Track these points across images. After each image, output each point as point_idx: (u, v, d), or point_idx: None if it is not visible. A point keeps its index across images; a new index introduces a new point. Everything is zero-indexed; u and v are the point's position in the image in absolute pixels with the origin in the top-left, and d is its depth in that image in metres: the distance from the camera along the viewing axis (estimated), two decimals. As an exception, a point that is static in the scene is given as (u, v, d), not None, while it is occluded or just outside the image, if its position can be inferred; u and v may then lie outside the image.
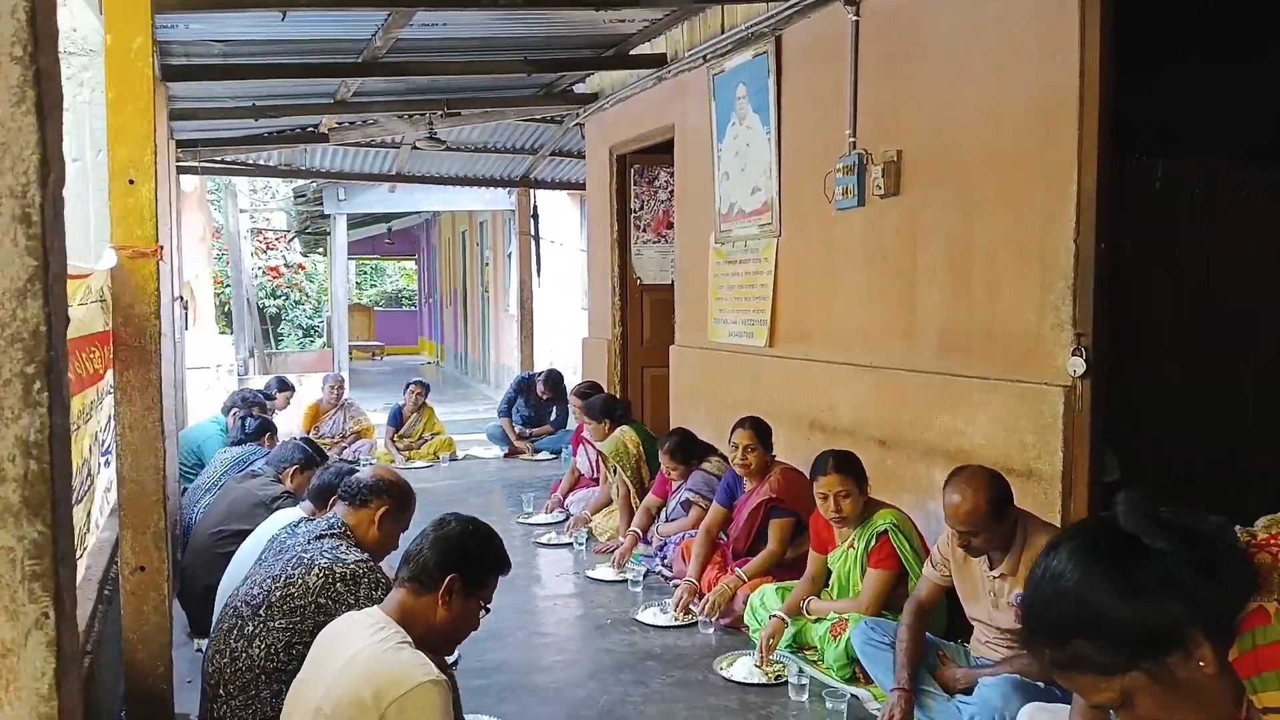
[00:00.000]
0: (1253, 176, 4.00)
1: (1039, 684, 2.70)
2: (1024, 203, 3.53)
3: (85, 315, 2.59)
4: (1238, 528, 1.27)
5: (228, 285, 15.92)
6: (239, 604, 2.66)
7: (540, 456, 8.16)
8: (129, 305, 2.76)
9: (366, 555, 2.71)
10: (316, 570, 2.59)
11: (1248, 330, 3.99)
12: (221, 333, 13.26)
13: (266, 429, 5.43)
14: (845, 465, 3.53)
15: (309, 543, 2.72)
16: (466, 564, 2.24)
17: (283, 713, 2.20)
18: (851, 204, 4.44)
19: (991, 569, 2.95)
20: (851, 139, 4.46)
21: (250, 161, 9.64)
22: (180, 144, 7.87)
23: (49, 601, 0.72)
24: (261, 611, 2.58)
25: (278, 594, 2.59)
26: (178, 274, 7.52)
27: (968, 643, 3.19)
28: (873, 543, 3.50)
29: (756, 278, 5.34)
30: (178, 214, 8.35)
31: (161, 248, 2.83)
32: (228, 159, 9.34)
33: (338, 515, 2.83)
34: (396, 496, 2.86)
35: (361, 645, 2.07)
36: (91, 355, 2.54)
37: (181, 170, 8.68)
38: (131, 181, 2.81)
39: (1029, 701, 2.59)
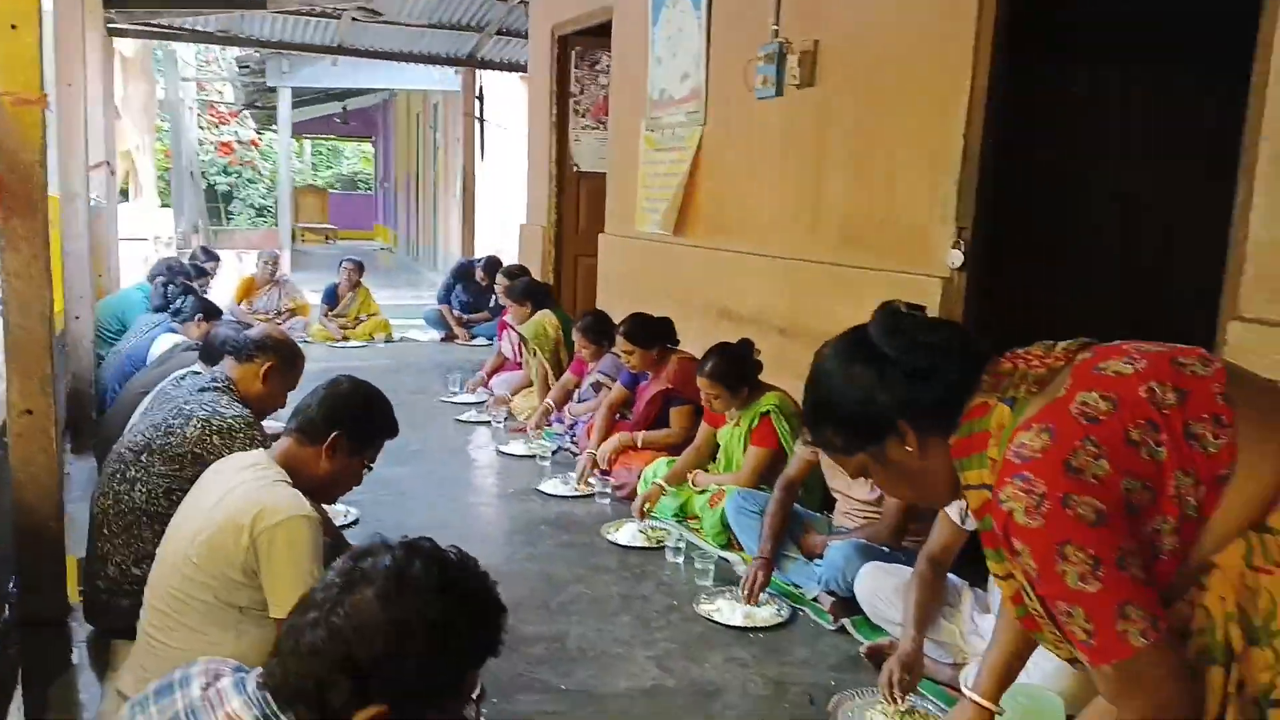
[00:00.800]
0: (1180, 80, 3.93)
1: (883, 548, 2.91)
2: (924, 98, 3.58)
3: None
4: (1017, 347, 1.41)
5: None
6: (123, 450, 2.76)
7: (477, 342, 8.24)
8: (14, 152, 2.75)
9: (246, 411, 2.79)
10: (195, 421, 2.69)
11: (1166, 240, 4.04)
12: (164, 206, 13.02)
13: (205, 311, 4.89)
14: (717, 372, 3.63)
15: (192, 395, 2.81)
16: (353, 423, 2.35)
17: (163, 539, 2.31)
18: (770, 94, 4.45)
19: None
20: (775, 27, 4.44)
21: (187, 27, 9.31)
22: (109, 3, 7.58)
23: None
24: (143, 458, 2.68)
25: (158, 442, 2.68)
26: (107, 137, 7.36)
27: (832, 513, 3.40)
28: (755, 422, 3.66)
29: (679, 166, 5.36)
30: (108, 77, 8.11)
31: (46, 95, 2.81)
32: (163, 24, 9.01)
33: (223, 370, 2.92)
34: (283, 354, 2.95)
35: (242, 479, 2.18)
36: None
37: (112, 32, 8.39)
38: (14, 26, 2.77)
39: (868, 562, 2.80)
